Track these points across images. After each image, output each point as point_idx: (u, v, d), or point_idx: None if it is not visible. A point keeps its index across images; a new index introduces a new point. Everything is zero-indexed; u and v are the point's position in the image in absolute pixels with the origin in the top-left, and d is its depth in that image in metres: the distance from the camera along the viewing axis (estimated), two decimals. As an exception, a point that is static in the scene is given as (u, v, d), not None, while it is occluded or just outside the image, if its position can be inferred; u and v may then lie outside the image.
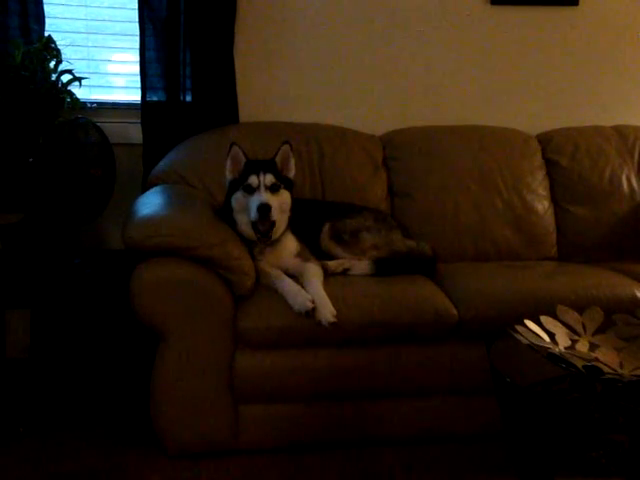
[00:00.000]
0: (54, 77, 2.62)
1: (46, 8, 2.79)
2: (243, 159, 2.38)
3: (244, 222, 2.34)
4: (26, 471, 2.13)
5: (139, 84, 2.89)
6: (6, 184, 2.54)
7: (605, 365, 1.62)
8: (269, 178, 2.32)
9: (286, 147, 2.42)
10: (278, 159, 2.41)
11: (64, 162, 2.56)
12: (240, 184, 2.34)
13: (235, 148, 2.39)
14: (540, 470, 1.71)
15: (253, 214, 2.28)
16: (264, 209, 2.25)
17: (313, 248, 2.49)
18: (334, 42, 3.14)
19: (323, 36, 3.13)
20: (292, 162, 2.44)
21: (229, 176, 2.41)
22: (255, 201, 2.28)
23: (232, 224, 2.34)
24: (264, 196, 2.28)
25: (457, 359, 2.30)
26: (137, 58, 2.88)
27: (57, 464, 2.17)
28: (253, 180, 2.32)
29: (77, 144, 2.63)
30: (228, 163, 2.40)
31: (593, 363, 1.59)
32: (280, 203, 2.33)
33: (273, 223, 2.30)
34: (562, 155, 3.07)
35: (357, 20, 3.14)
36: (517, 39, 3.25)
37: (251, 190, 2.31)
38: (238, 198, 2.35)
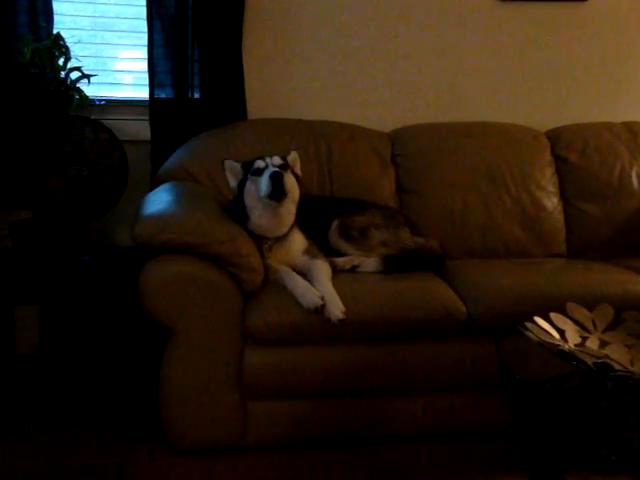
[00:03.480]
0: (63, 74, 2.63)
1: (54, 5, 2.79)
2: (238, 165, 2.41)
3: (257, 215, 2.33)
4: (36, 468, 2.14)
5: (147, 81, 2.89)
6: (14, 181, 2.55)
7: (615, 362, 1.62)
8: (276, 159, 2.35)
9: (294, 153, 2.46)
10: (287, 158, 2.43)
11: (71, 159, 2.57)
12: (247, 174, 2.35)
13: (227, 162, 2.43)
14: (550, 467, 1.71)
15: (265, 187, 2.27)
16: (276, 177, 2.26)
17: (322, 245, 2.49)
18: (342, 39, 3.13)
19: (331, 33, 3.12)
20: (298, 166, 2.48)
21: (234, 183, 2.42)
22: (266, 174, 2.28)
23: (243, 222, 2.33)
24: (274, 168, 2.29)
25: (466, 356, 2.29)
26: (145, 55, 2.88)
27: (67, 461, 2.18)
28: (260, 163, 2.34)
29: (85, 141, 2.64)
30: (228, 176, 2.43)
31: (603, 360, 1.59)
32: (290, 184, 2.33)
33: (286, 193, 2.30)
34: (571, 152, 3.06)
35: (365, 17, 3.13)
36: (526, 36, 3.24)
37: (260, 172, 2.32)
38: (249, 189, 2.35)
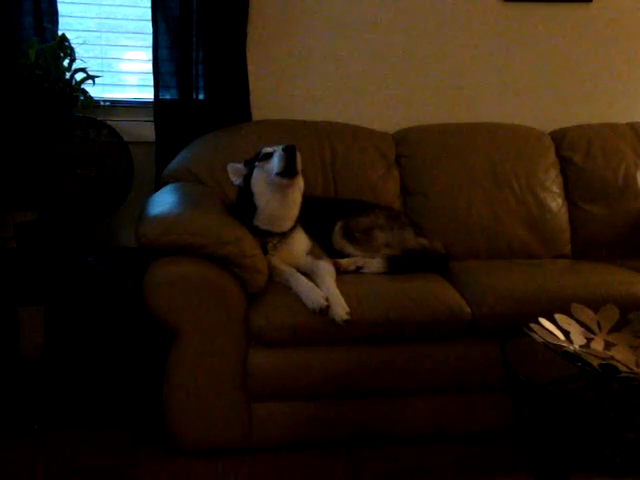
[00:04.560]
0: (68, 75, 2.63)
1: (59, 7, 2.80)
2: (241, 164, 2.42)
3: (266, 202, 2.32)
4: (40, 468, 2.14)
5: (151, 82, 2.89)
6: (20, 182, 2.56)
7: (621, 364, 1.61)
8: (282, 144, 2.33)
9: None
10: None
11: (78, 160, 2.57)
12: (255, 163, 2.35)
13: (229, 165, 2.44)
14: (555, 469, 1.71)
15: (278, 164, 2.26)
16: (289, 150, 2.25)
17: (325, 246, 2.49)
18: (346, 40, 3.13)
19: (335, 34, 3.12)
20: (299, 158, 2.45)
21: (238, 181, 2.42)
22: (278, 152, 2.28)
23: (248, 219, 2.33)
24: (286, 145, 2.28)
25: (470, 357, 2.29)
26: (149, 56, 2.89)
27: (71, 462, 2.18)
28: (268, 149, 2.34)
29: (86, 143, 2.64)
30: (231, 177, 2.44)
31: (609, 361, 1.58)
32: (299, 165, 2.32)
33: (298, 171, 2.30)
34: (576, 152, 3.05)
35: (369, 19, 3.13)
36: (530, 36, 3.24)
37: (269, 155, 2.32)
38: (257, 176, 2.34)
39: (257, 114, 3.01)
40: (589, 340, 1.75)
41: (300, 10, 3.08)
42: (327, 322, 2.14)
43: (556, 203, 2.97)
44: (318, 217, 2.53)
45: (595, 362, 1.57)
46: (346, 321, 2.13)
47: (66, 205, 2.57)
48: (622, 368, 1.58)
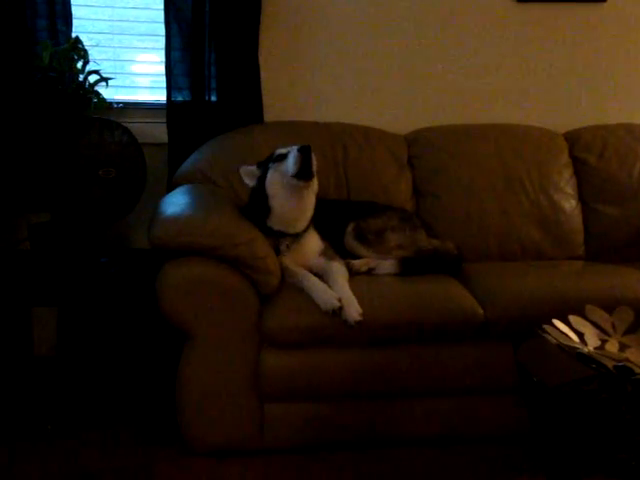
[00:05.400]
0: (81, 77, 2.65)
1: (73, 9, 2.81)
2: (254, 167, 2.43)
3: (281, 202, 2.32)
4: (53, 469, 2.15)
5: (164, 84, 2.91)
6: (34, 184, 2.57)
7: (636, 365, 1.60)
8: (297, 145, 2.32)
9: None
10: None
11: (91, 162, 2.59)
12: (269, 164, 2.35)
13: (242, 168, 2.45)
14: (569, 472, 1.69)
15: (292, 164, 2.25)
16: (305, 150, 2.25)
17: (337, 248, 2.49)
18: (358, 42, 3.13)
19: (347, 36, 3.12)
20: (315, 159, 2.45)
21: (252, 182, 2.43)
22: (293, 152, 2.27)
23: (262, 219, 2.34)
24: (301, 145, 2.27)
25: (483, 359, 2.28)
26: (162, 58, 2.90)
27: (84, 462, 2.19)
28: (282, 150, 2.33)
29: (104, 144, 2.66)
30: (245, 179, 2.44)
31: (624, 363, 1.57)
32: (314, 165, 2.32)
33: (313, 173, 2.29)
34: (590, 153, 3.03)
35: (381, 20, 3.13)
36: (544, 37, 3.22)
37: (283, 156, 2.32)
38: (272, 177, 2.34)
39: (269, 115, 3.01)
40: (603, 342, 1.74)
41: (312, 11, 3.08)
42: (340, 323, 2.14)
43: (570, 204, 2.95)
44: (330, 218, 2.52)
45: (610, 364, 1.56)
46: (358, 322, 2.12)
47: (82, 206, 2.59)
48: (637, 370, 1.57)
